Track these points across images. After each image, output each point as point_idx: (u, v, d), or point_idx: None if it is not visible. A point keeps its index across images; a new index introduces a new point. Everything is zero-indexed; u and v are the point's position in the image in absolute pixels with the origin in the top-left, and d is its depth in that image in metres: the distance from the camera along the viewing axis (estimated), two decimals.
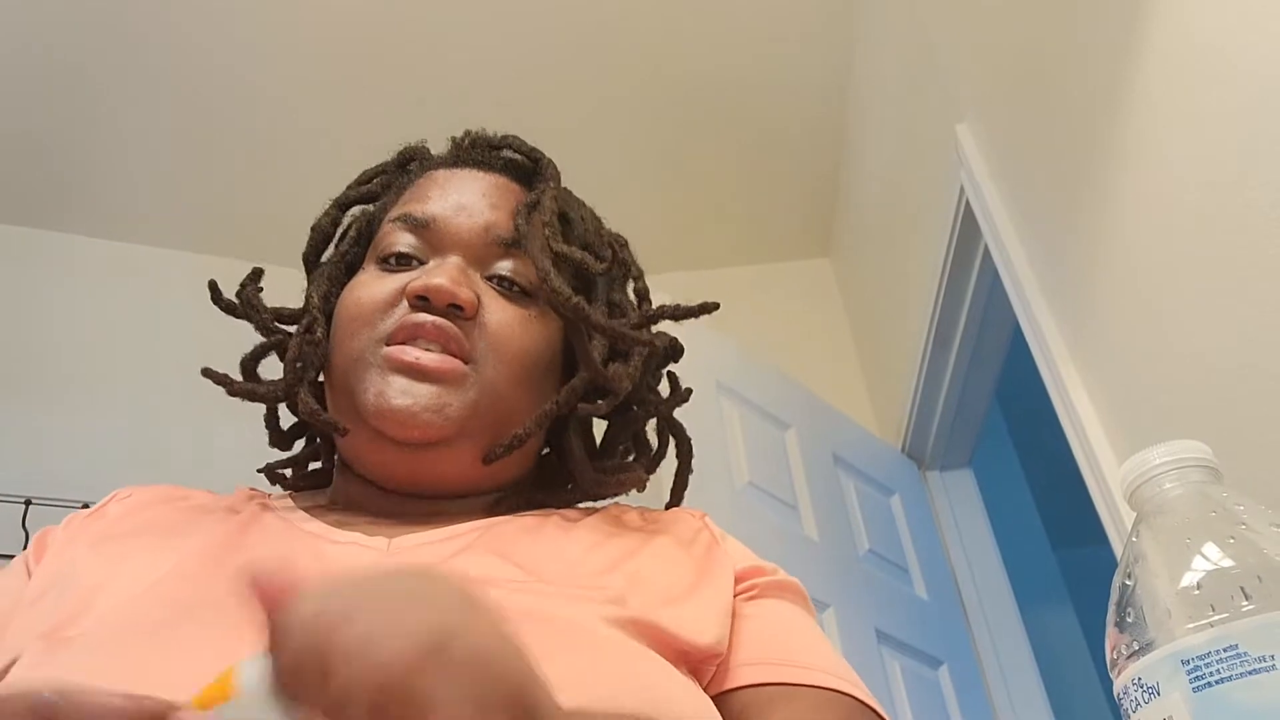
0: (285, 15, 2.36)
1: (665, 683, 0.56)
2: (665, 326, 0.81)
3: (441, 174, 0.79)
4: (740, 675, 0.61)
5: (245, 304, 0.78)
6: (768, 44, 2.55)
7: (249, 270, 0.80)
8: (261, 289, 0.80)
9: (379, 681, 0.32)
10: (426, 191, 0.77)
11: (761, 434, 2.13)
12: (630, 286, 0.83)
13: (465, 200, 0.75)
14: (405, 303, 0.70)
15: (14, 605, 0.63)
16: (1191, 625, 0.43)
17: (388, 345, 0.68)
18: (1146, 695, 0.44)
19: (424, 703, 0.32)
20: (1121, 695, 0.46)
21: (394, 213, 0.76)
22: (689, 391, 0.85)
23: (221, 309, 0.79)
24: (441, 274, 0.69)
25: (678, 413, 0.84)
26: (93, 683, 0.43)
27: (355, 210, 0.84)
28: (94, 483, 2.11)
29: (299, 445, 0.83)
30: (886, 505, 2.41)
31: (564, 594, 0.59)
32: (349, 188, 0.85)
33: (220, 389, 0.76)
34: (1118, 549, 1.39)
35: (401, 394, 0.66)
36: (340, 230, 0.83)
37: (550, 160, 0.82)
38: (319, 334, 0.72)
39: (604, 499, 0.79)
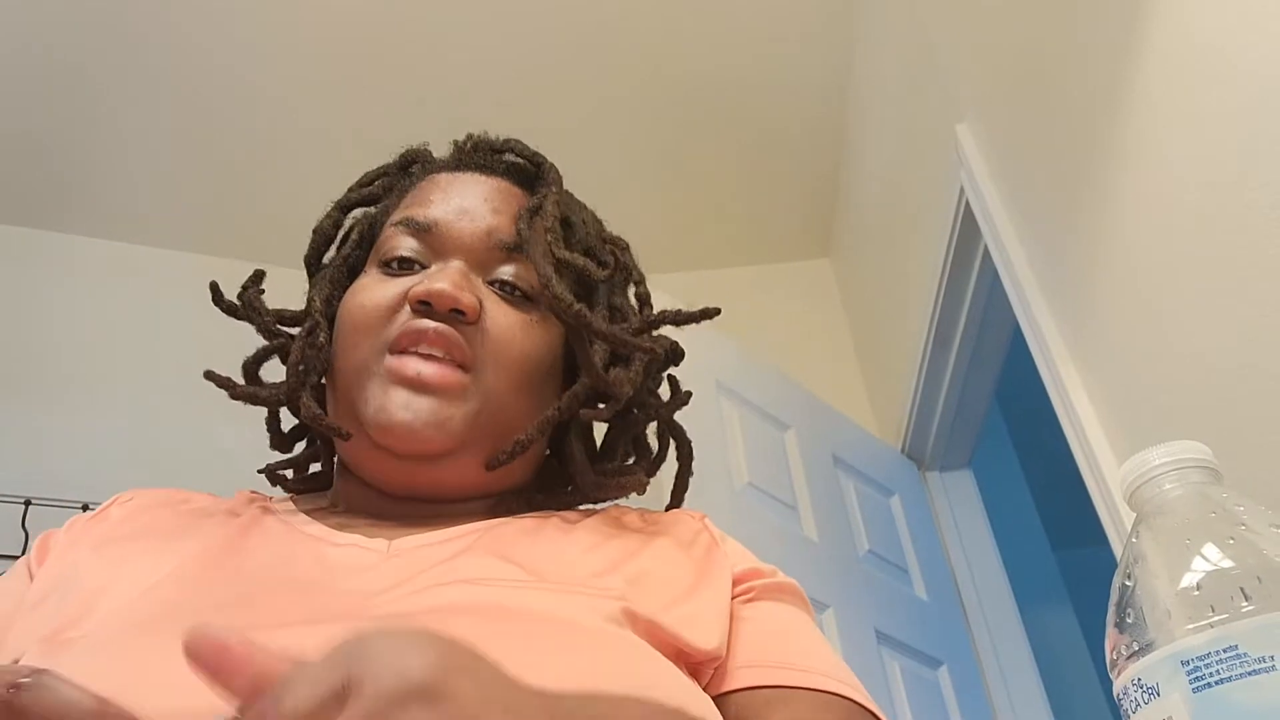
0: (285, 15, 2.36)
1: (666, 681, 0.56)
2: (666, 330, 0.81)
3: (443, 177, 0.79)
4: (738, 677, 0.61)
5: (247, 306, 0.78)
6: (768, 44, 2.55)
7: (249, 270, 0.80)
8: (263, 291, 0.80)
9: None
10: (428, 195, 0.77)
11: (761, 434, 2.13)
12: (631, 290, 0.83)
13: (467, 204, 0.75)
14: (408, 308, 0.70)
15: (16, 608, 0.63)
16: (1191, 626, 0.43)
17: (390, 354, 0.69)
18: (1146, 696, 0.44)
19: None
20: (1121, 696, 0.46)
21: (396, 216, 0.76)
22: (689, 394, 0.85)
23: (223, 310, 0.79)
24: (444, 279, 0.69)
25: (678, 413, 0.84)
26: (89, 685, 0.42)
27: (357, 212, 0.84)
28: (94, 483, 2.12)
29: (299, 447, 0.83)
30: (886, 506, 2.41)
31: (564, 594, 0.59)
32: (350, 190, 0.84)
33: (220, 390, 0.76)
34: (1117, 550, 1.39)
35: (402, 408, 0.66)
36: (342, 233, 0.83)
37: (552, 164, 0.82)
38: (321, 338, 0.72)
39: (604, 502, 0.79)
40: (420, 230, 0.74)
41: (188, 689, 0.35)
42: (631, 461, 0.82)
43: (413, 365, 0.67)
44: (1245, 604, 0.42)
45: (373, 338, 0.70)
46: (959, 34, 1.89)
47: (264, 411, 0.79)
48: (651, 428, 0.83)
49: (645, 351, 0.76)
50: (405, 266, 0.73)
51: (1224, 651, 0.42)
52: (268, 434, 0.81)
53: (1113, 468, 1.42)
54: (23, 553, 2.11)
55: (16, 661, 0.55)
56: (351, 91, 2.52)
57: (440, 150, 0.86)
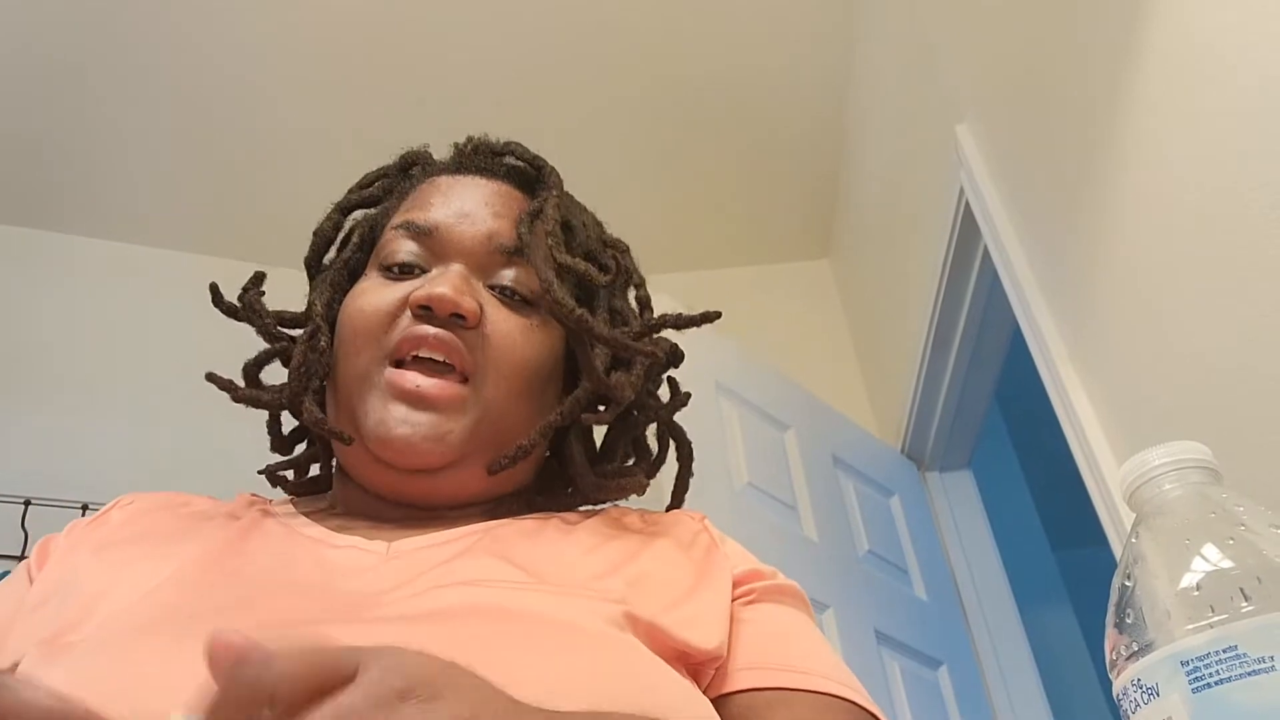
0: (285, 15, 2.36)
1: (666, 684, 0.56)
2: (666, 332, 0.81)
3: (444, 180, 0.79)
4: (739, 679, 0.61)
5: (247, 308, 0.78)
6: (768, 44, 2.55)
7: (249, 271, 0.80)
8: (263, 293, 0.80)
9: None
10: (429, 198, 0.77)
11: (761, 435, 2.13)
12: (632, 294, 0.83)
13: (468, 208, 0.75)
14: (408, 312, 0.70)
15: (15, 611, 0.63)
16: (1191, 626, 0.43)
17: (391, 364, 0.69)
18: (1146, 696, 0.44)
19: None
20: (1121, 696, 0.46)
21: (396, 220, 0.76)
22: (688, 395, 0.85)
23: (223, 312, 0.79)
24: (444, 283, 0.69)
25: (678, 414, 0.84)
26: (87, 688, 0.43)
27: (357, 214, 0.84)
28: (93, 483, 2.13)
29: (300, 449, 0.83)
30: (886, 506, 2.41)
31: (565, 595, 0.59)
32: (350, 191, 0.84)
33: (220, 390, 0.76)
34: (1117, 550, 1.39)
35: (401, 423, 0.67)
36: (342, 235, 0.83)
37: (553, 168, 0.81)
38: (323, 343, 0.72)
39: (604, 503, 0.79)
40: (421, 234, 0.74)
41: (188, 691, 0.35)
42: (631, 463, 0.82)
43: (412, 379, 0.67)
44: (1245, 604, 0.42)
45: (374, 344, 0.70)
46: (959, 34, 1.89)
47: (264, 413, 0.79)
48: (651, 429, 0.83)
49: (646, 356, 0.76)
50: (406, 270, 0.73)
51: (1223, 652, 0.42)
52: (268, 436, 0.81)
53: (1112, 468, 1.42)
54: (22, 552, 2.12)
55: (16, 665, 0.55)
56: (351, 91, 2.52)
57: (440, 152, 0.86)
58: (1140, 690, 0.44)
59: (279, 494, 0.81)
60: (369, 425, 0.68)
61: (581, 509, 0.78)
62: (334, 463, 0.78)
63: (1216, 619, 0.43)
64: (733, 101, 2.67)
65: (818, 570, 2.00)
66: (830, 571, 2.04)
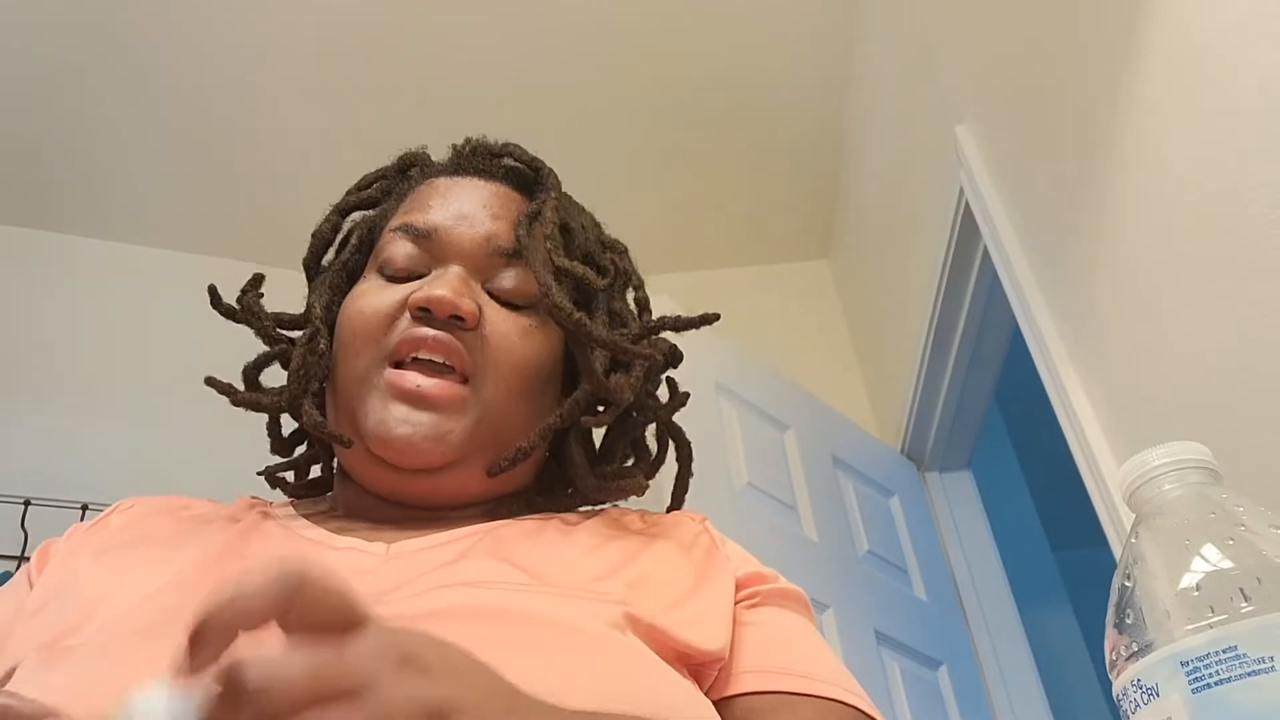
0: (284, 15, 2.36)
1: (667, 686, 0.56)
2: (665, 334, 0.81)
3: (442, 182, 0.79)
4: (741, 682, 0.61)
5: (246, 310, 0.78)
6: (768, 44, 2.55)
7: (249, 271, 0.80)
8: (262, 295, 0.80)
9: None
10: (427, 200, 0.77)
11: (761, 435, 2.13)
12: (630, 295, 0.83)
13: (466, 210, 0.75)
14: (407, 314, 0.70)
15: (15, 615, 0.63)
16: (1190, 626, 0.43)
17: (391, 366, 0.69)
18: (1146, 696, 0.44)
19: None
20: (1121, 696, 0.46)
21: (395, 222, 0.76)
22: (687, 395, 0.85)
23: (222, 314, 0.79)
24: (443, 285, 0.69)
25: (677, 414, 0.84)
26: (86, 691, 0.43)
27: (356, 216, 0.84)
28: (93, 483, 2.13)
29: (300, 451, 0.83)
30: (886, 506, 2.41)
31: (565, 597, 0.59)
32: (348, 193, 0.84)
33: (220, 394, 0.76)
34: (1117, 550, 1.39)
35: (402, 423, 0.67)
36: (340, 237, 0.83)
37: (551, 169, 0.81)
38: (322, 345, 0.72)
39: (604, 504, 0.79)
40: (419, 236, 0.74)
41: None
42: (631, 463, 0.82)
43: (412, 379, 0.68)
44: (1244, 605, 0.42)
45: (373, 346, 0.70)
46: (959, 34, 1.89)
47: (263, 414, 0.79)
48: (651, 429, 0.83)
49: (645, 359, 0.76)
50: (404, 272, 0.73)
51: (1223, 652, 0.42)
52: (268, 438, 0.81)
53: (1112, 468, 1.42)
54: (22, 553, 2.11)
55: (14, 669, 0.55)
56: (351, 91, 2.52)
57: (439, 152, 0.86)
58: (1140, 690, 0.44)
59: (279, 496, 0.81)
60: (369, 425, 0.68)
61: (582, 510, 0.78)
62: (334, 464, 0.78)
63: (1216, 619, 0.43)
64: (733, 101, 2.67)
65: (818, 570, 2.00)
66: (830, 572, 2.04)
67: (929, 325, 2.25)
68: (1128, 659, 0.46)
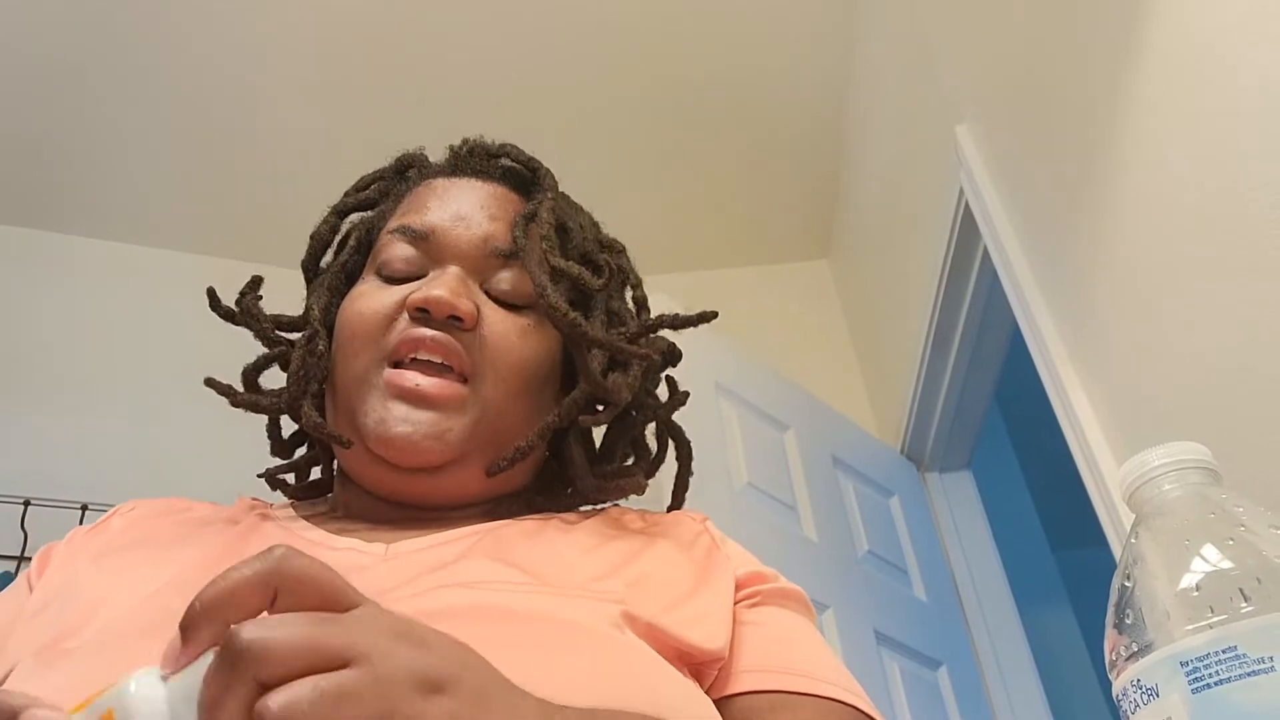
0: (284, 15, 2.36)
1: (667, 685, 0.56)
2: (664, 332, 0.81)
3: (440, 183, 0.79)
4: (741, 681, 0.61)
5: (245, 313, 0.78)
6: (768, 44, 2.55)
7: (249, 271, 0.81)
8: (260, 297, 0.80)
9: None
10: (425, 201, 0.77)
11: (760, 435, 2.13)
12: (629, 294, 0.83)
13: (464, 211, 0.76)
14: (406, 315, 0.70)
15: (15, 618, 0.63)
16: (1190, 627, 0.43)
17: (390, 365, 0.69)
18: (1146, 696, 0.44)
19: None
20: (1120, 696, 0.46)
21: (393, 223, 0.77)
22: (686, 395, 0.85)
23: (221, 316, 0.79)
24: (441, 285, 0.70)
25: (677, 414, 0.84)
26: (85, 691, 0.42)
27: (354, 217, 0.84)
28: (93, 483, 2.13)
29: (300, 452, 0.83)
30: (885, 506, 2.41)
31: (566, 596, 0.59)
32: (346, 194, 0.85)
33: (220, 396, 0.76)
34: (1117, 550, 1.39)
35: (402, 421, 0.67)
36: (339, 238, 0.83)
37: (548, 170, 0.82)
38: (320, 347, 0.73)
39: (604, 504, 0.79)
40: (417, 237, 0.74)
41: None
42: (630, 463, 0.82)
43: (411, 378, 0.68)
44: (1244, 605, 0.42)
45: (372, 346, 0.70)
46: (959, 34, 1.89)
47: (263, 415, 0.80)
48: (651, 428, 0.83)
49: (642, 357, 0.76)
50: (402, 274, 0.73)
51: (1223, 652, 0.42)
52: (268, 440, 0.81)
53: (1112, 469, 1.42)
54: (22, 553, 2.11)
55: (12, 670, 0.55)
56: (351, 91, 2.52)
57: (438, 153, 0.86)
58: (1140, 691, 0.44)
59: (279, 498, 0.81)
60: (369, 425, 0.68)
61: (581, 509, 0.78)
62: (334, 466, 0.78)
63: (1216, 619, 0.43)
64: (733, 101, 2.67)
65: (817, 570, 2.00)
66: (830, 572, 2.04)
67: (929, 325, 2.25)
68: (1127, 659, 0.46)
